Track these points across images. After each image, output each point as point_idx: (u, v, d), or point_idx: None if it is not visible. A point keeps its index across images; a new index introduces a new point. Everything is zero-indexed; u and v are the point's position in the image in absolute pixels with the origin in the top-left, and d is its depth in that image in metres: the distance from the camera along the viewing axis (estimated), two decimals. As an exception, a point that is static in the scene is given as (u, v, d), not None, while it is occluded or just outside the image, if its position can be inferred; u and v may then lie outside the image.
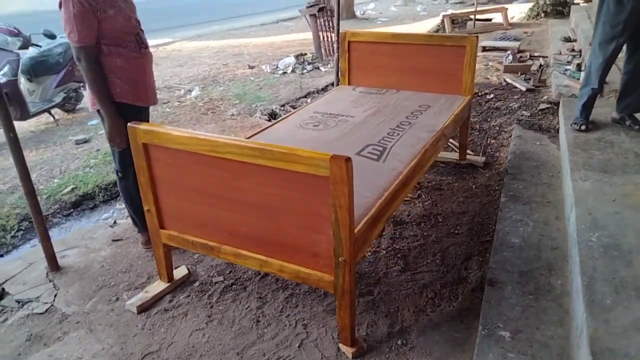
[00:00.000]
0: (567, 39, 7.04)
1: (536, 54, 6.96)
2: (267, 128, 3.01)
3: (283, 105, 5.58)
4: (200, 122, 5.12)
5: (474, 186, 3.32)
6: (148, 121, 2.62)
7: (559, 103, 4.24)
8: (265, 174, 1.83)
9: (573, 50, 6.33)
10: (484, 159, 3.67)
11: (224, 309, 2.27)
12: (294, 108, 5.19)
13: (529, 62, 6.40)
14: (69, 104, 5.60)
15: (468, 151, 3.73)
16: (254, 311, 2.25)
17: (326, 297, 2.30)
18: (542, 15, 9.92)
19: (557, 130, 3.83)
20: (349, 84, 3.86)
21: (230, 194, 1.96)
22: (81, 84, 5.64)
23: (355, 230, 1.82)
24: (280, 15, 13.70)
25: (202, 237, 2.15)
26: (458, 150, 3.71)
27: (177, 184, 2.10)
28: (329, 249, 1.82)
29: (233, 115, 5.31)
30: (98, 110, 2.48)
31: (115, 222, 3.16)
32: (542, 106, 4.40)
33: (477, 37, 3.44)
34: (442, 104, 3.32)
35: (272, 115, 5.33)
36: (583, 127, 3.27)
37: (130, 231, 3.01)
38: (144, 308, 2.28)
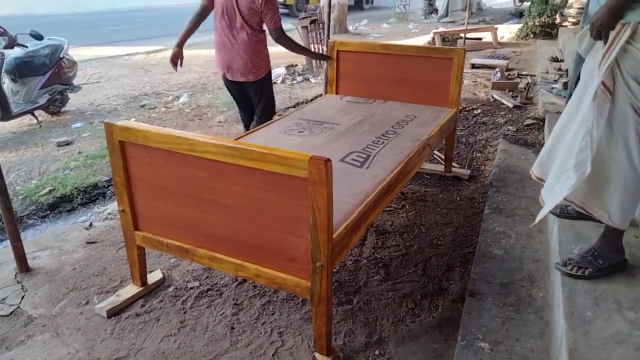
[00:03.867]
0: (555, 59, 7.14)
1: (524, 73, 7.05)
2: (250, 133, 2.97)
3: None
4: (186, 128, 5.06)
5: (458, 198, 3.30)
6: None
7: (544, 119, 4.26)
8: (242, 174, 1.78)
9: (560, 69, 6.42)
10: (469, 171, 3.66)
11: (198, 314, 2.20)
12: (282, 117, 5.16)
13: (517, 80, 6.48)
14: (54, 106, 5.50)
15: (454, 164, 3.72)
16: (228, 318, 2.18)
17: (304, 305, 2.24)
18: (531, 35, 10.10)
19: (542, 146, 3.83)
20: (337, 93, 3.84)
21: (207, 195, 1.91)
22: (67, 87, 5.57)
23: (335, 235, 1.77)
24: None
25: (177, 239, 2.08)
26: (443, 163, 3.70)
27: (154, 184, 2.04)
28: (307, 254, 1.77)
29: (220, 122, 5.26)
30: (258, 80, 3.33)
31: (91, 225, 3.08)
32: (528, 122, 4.43)
33: (465, 50, 3.45)
34: (428, 115, 3.31)
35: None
36: None
37: (106, 233, 2.93)
38: (114, 312, 2.20)
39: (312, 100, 6.03)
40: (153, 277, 2.42)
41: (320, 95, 5.90)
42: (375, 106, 3.51)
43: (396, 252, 2.68)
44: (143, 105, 5.95)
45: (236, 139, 2.82)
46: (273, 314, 2.20)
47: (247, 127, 3.65)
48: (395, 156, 2.59)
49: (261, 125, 3.13)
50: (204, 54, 9.54)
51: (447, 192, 3.40)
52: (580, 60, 2.85)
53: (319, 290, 1.79)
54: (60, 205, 3.56)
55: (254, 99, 3.49)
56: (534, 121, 4.40)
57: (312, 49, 7.61)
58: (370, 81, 3.70)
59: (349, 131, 2.97)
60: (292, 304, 2.26)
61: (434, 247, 2.73)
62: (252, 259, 1.91)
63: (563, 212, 2.33)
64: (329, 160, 1.61)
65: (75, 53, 8.79)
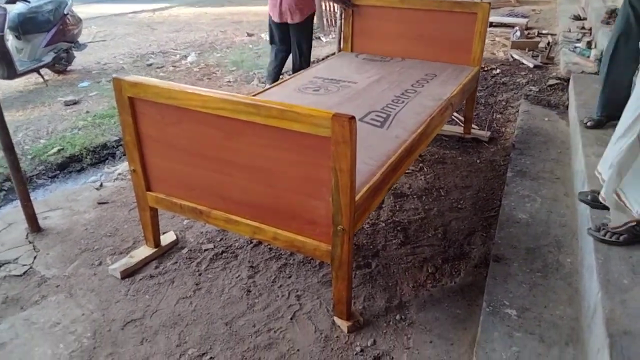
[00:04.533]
0: (577, 17, 6.83)
1: (544, 32, 6.77)
2: (263, 91, 2.85)
3: (282, 74, 5.38)
4: (195, 88, 4.92)
5: (478, 160, 3.19)
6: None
7: (568, 79, 4.08)
8: (260, 133, 1.68)
9: (583, 28, 6.14)
10: (489, 133, 3.53)
11: (213, 277, 2.15)
12: (293, 77, 5.00)
13: (537, 39, 6.21)
14: (60, 65, 5.37)
15: (473, 125, 3.58)
16: (244, 280, 2.13)
17: (321, 268, 2.18)
18: (551, -8, 9.66)
19: (567, 107, 3.68)
20: (352, 50, 3.68)
21: (222, 155, 1.82)
22: (72, 44, 5.41)
23: (356, 198, 1.69)
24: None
25: (191, 200, 2.01)
26: (462, 124, 3.56)
27: (165, 143, 1.95)
28: (327, 217, 1.68)
29: (229, 82, 5.12)
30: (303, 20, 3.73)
31: (102, 185, 3.01)
32: (551, 82, 4.24)
33: (490, 4, 3.26)
34: (449, 73, 3.15)
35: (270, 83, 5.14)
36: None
37: (117, 194, 2.87)
38: (128, 273, 2.16)
39: (323, 59, 5.83)
40: (166, 238, 2.37)
41: (333, 54, 5.70)
42: (393, 64, 3.36)
43: (415, 215, 2.60)
44: (150, 64, 5.79)
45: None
46: (290, 277, 2.14)
47: (273, 81, 3.93)
48: (417, 116, 2.47)
49: (274, 84, 3.00)
50: (211, 12, 9.27)
51: (466, 154, 3.28)
52: (627, 13, 2.62)
53: (339, 254, 1.71)
54: (70, 165, 3.50)
55: (294, 44, 3.88)
56: (558, 81, 4.22)
57: (323, 7, 7.34)
58: (387, 38, 3.53)
59: (367, 90, 2.84)
60: (309, 267, 2.20)
61: (454, 211, 2.64)
62: (269, 222, 1.84)
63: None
64: (353, 117, 1.50)
65: (79, 10, 8.57)
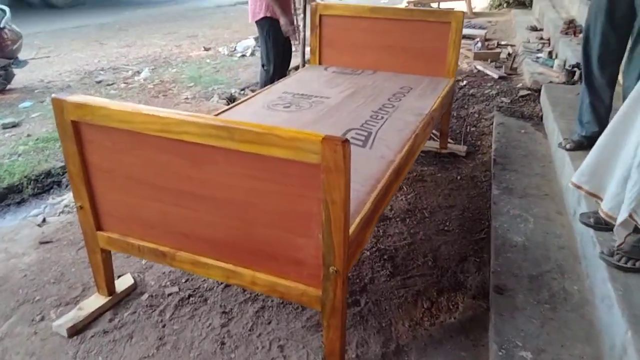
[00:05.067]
0: (534, 28, 6.94)
1: (503, 42, 6.82)
2: (227, 110, 2.58)
3: (243, 89, 5.12)
4: (149, 106, 4.57)
5: (458, 177, 3.02)
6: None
7: (538, 90, 4.02)
8: (233, 160, 1.42)
9: (542, 38, 6.21)
10: (465, 147, 3.38)
11: (180, 328, 1.85)
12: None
13: (498, 50, 6.24)
14: (-3, 84, 4.91)
15: (448, 140, 3.43)
16: (217, 330, 1.83)
17: (304, 311, 1.92)
18: (505, 5, 9.88)
19: (541, 118, 3.60)
20: (320, 63, 3.47)
21: (187, 187, 1.54)
22: (11, 61, 4.96)
23: (349, 232, 1.45)
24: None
25: (150, 240, 1.71)
26: (438, 139, 3.41)
27: (118, 174, 1.65)
28: (316, 256, 1.44)
29: (187, 98, 4.80)
30: (257, 21, 3.63)
31: (44, 220, 2.64)
32: (522, 93, 4.18)
33: (464, 13, 3.13)
34: (425, 86, 2.99)
35: (231, 100, 4.86)
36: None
37: (63, 231, 2.50)
38: (76, 330, 1.82)
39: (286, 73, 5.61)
40: (122, 283, 2.04)
41: (295, 68, 5.49)
42: (365, 77, 3.17)
43: (401, 241, 2.39)
44: (99, 82, 5.39)
45: (215, 115, 2.43)
46: (269, 323, 1.87)
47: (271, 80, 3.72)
48: (400, 133, 2.27)
49: (239, 101, 2.74)
50: (165, 25, 8.89)
51: (445, 170, 3.12)
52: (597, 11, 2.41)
53: (332, 300, 1.46)
54: (8, 197, 3.09)
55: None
56: (529, 92, 4.16)
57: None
58: (357, 49, 3.34)
59: (342, 105, 2.63)
60: (290, 310, 1.93)
61: (441, 234, 2.45)
62: (246, 263, 1.57)
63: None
64: (347, 141, 1.27)
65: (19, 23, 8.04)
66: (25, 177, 3.21)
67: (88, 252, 1.87)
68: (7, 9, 4.95)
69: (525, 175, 2.75)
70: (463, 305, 1.96)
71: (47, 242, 2.41)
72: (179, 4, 11.88)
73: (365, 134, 2.24)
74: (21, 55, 5.19)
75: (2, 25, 4.78)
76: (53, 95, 1.60)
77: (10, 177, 3.20)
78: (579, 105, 2.61)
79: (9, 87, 5.06)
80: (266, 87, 3.03)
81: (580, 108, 2.59)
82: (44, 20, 9.23)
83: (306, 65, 4.12)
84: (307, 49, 4.84)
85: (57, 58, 6.50)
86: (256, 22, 3.67)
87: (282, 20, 3.57)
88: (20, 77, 5.31)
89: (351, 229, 1.48)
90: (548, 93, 3.54)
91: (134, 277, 2.09)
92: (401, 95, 2.82)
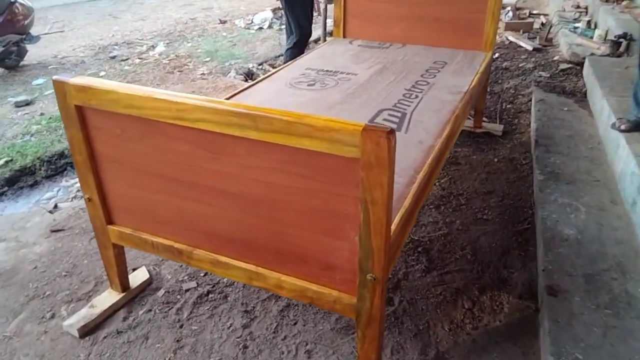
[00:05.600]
0: (568, -4, 6.50)
1: (535, 12, 6.42)
2: (248, 88, 2.38)
3: (261, 64, 4.90)
4: (165, 82, 4.40)
5: (496, 159, 2.80)
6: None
7: (580, 63, 3.72)
8: (258, 152, 1.23)
9: (578, 6, 5.81)
10: (502, 127, 3.14)
11: (199, 329, 1.71)
12: (274, 67, 4.53)
13: (530, 20, 5.86)
14: (10, 60, 4.77)
15: (483, 118, 3.19)
16: (238, 332, 1.69)
17: (334, 310, 1.76)
18: (534, -29, 9.34)
19: (585, 94, 3.32)
20: (344, 36, 3.23)
21: (206, 180, 1.37)
22: (23, 37, 4.81)
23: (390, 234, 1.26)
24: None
25: (165, 237, 1.55)
26: (472, 117, 3.17)
27: (129, 165, 1.48)
28: (352, 261, 1.26)
29: (203, 74, 4.60)
30: None
31: (56, 206, 2.51)
32: (563, 66, 3.87)
33: (504, -22, 2.85)
34: (461, 60, 2.74)
35: (249, 75, 4.65)
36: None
37: (75, 218, 2.37)
38: (88, 329, 1.69)
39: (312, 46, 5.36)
40: (137, 277, 1.91)
41: (315, 40, 5.23)
42: (394, 51, 2.93)
43: (436, 231, 2.20)
44: (114, 57, 5.22)
45: (231, 96, 2.24)
46: (295, 324, 1.71)
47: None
48: (437, 114, 2.05)
49: (260, 79, 2.54)
50: (180, -3, 8.62)
51: (480, 152, 2.89)
52: None
53: (368, 310, 1.29)
54: (20, 179, 2.98)
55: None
56: (570, 65, 3.85)
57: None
58: (384, 21, 3.09)
59: (371, 83, 2.41)
60: (317, 309, 1.78)
61: (480, 224, 2.25)
62: (271, 265, 1.40)
63: None
64: (392, 131, 1.07)
65: (33, -2, 7.87)
66: (38, 158, 3.09)
67: (99, 246, 1.72)
68: (17, -19, 4.77)
69: (572, 159, 2.51)
70: (508, 306, 1.78)
71: (58, 230, 2.28)
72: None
73: (400, 115, 2.03)
74: (34, 31, 5.04)
75: (12, 0, 4.62)
76: (54, 77, 1.43)
77: (22, 158, 3.09)
78: (636, 82, 2.34)
79: (22, 63, 4.93)
80: (288, 63, 2.81)
81: (637, 85, 2.33)
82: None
83: (328, 38, 3.87)
84: (329, 20, 4.61)
85: (71, 33, 6.33)
86: None
87: None
88: (34, 52, 5.18)
89: (392, 230, 1.30)
90: (593, 66, 3.25)
91: (149, 271, 1.95)
92: (435, 71, 2.58)
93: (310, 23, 3.77)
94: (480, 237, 2.16)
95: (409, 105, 2.13)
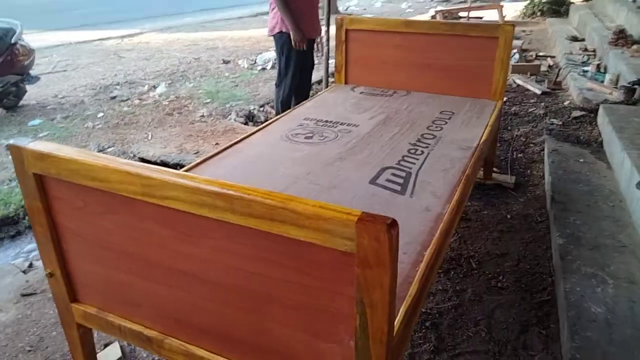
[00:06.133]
0: (575, 38, 6.44)
1: (541, 54, 6.33)
2: (241, 140, 2.22)
3: (262, 106, 4.79)
4: (163, 125, 4.28)
5: (508, 216, 2.60)
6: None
7: (594, 110, 3.56)
8: (236, 236, 1.04)
9: (586, 49, 5.71)
10: (514, 178, 2.95)
11: None
12: (274, 109, 4.40)
13: (537, 63, 5.76)
14: (8, 100, 4.71)
15: (493, 168, 3.01)
16: None
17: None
18: (538, 14, 9.36)
19: (601, 144, 3.14)
20: (346, 82, 3.09)
21: (178, 263, 1.17)
22: (23, 76, 4.74)
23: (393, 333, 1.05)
24: (260, 8, 12.84)
25: (134, 320, 1.35)
26: (482, 168, 2.98)
27: (94, 240, 1.29)
28: (346, 368, 1.05)
29: (203, 116, 4.48)
30: (273, 35, 3.39)
31: (31, 265, 2.32)
32: (576, 114, 3.71)
33: (514, 25, 2.72)
34: (469, 110, 2.58)
35: (249, 118, 4.53)
36: None
37: (50, 281, 2.17)
38: None
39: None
40: (108, 357, 1.69)
41: (318, 82, 5.13)
42: (398, 99, 2.78)
43: (445, 302, 1.98)
44: (114, 97, 5.14)
45: (224, 149, 2.08)
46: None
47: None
48: (446, 174, 1.87)
49: (255, 129, 2.38)
50: (184, 37, 8.67)
51: (492, 206, 2.69)
52: None
53: None
54: (2, 230, 2.81)
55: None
56: (583, 112, 3.69)
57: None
58: (388, 67, 2.96)
59: (373, 135, 2.24)
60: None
61: (494, 293, 2.03)
62: (253, 363, 1.19)
63: None
64: (394, 222, 0.88)
65: (41, 38, 7.90)
66: (22, 206, 2.92)
67: (63, 325, 1.52)
68: (18, 23, 4.75)
69: (594, 219, 2.30)
70: (531, 401, 1.54)
71: (29, 295, 2.08)
72: (197, 16, 11.71)
73: (404, 174, 1.85)
74: (38, 70, 5.02)
75: (13, 41, 4.58)
76: (11, 141, 1.26)
77: (5, 207, 2.92)
78: None
79: (21, 103, 4.86)
80: (285, 113, 2.66)
81: None
82: (67, 32, 9.12)
83: (330, 84, 3.75)
84: (332, 61, 4.52)
85: (74, 72, 6.30)
86: (272, 36, 3.44)
87: (292, 34, 3.26)
88: (34, 92, 5.12)
89: (396, 325, 1.09)
90: (609, 115, 3.08)
91: (122, 347, 1.74)
92: (442, 122, 2.42)
93: (297, 81, 3.52)
94: (495, 309, 1.94)
95: (414, 163, 1.95)
